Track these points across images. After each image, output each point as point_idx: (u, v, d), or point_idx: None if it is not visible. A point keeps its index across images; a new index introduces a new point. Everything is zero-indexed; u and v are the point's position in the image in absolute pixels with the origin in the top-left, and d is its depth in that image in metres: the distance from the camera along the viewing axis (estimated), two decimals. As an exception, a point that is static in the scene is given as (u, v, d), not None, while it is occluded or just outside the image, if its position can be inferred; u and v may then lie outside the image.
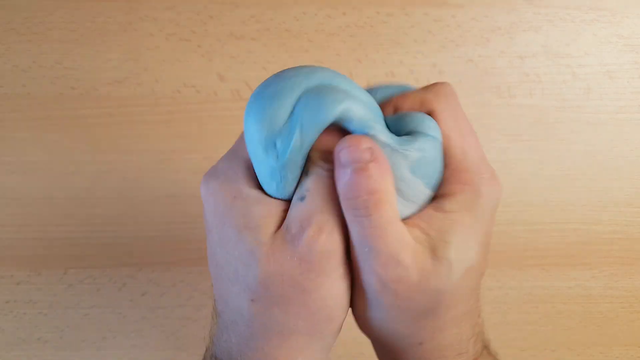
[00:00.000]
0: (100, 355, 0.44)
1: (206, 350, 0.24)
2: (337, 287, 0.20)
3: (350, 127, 0.20)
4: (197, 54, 0.43)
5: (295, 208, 0.19)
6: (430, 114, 0.21)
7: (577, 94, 0.45)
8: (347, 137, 0.19)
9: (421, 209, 0.21)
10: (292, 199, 0.20)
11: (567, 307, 0.47)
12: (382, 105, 0.22)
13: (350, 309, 0.23)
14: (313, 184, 0.20)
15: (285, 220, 0.20)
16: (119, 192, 0.43)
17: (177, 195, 0.44)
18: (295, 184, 0.20)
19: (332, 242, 0.19)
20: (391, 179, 0.19)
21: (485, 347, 0.24)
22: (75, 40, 0.43)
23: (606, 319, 0.47)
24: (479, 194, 0.20)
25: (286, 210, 0.20)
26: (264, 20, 0.44)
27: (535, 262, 0.46)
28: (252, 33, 0.44)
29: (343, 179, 0.19)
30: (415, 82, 0.44)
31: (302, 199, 0.19)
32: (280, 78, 0.21)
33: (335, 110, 0.19)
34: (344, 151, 0.19)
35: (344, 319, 0.22)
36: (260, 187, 0.21)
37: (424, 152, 0.20)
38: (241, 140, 0.22)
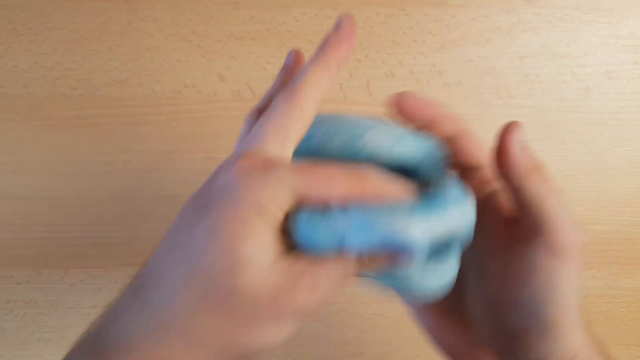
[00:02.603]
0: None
1: (92, 325, 0.22)
2: (282, 335, 0.20)
3: None
4: (198, 54, 0.43)
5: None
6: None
7: (577, 94, 0.45)
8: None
9: None
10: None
11: (566, 307, 0.47)
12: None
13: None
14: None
15: (293, 255, 0.20)
16: (119, 192, 0.43)
17: (177, 195, 0.44)
18: None
19: (314, 303, 0.20)
20: None
21: None
22: (76, 41, 0.43)
23: (606, 318, 0.47)
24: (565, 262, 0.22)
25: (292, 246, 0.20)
26: (264, 21, 0.44)
27: (535, 262, 0.46)
28: (253, 33, 0.44)
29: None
30: (415, 82, 0.44)
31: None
32: None
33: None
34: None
35: None
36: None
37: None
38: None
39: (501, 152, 0.23)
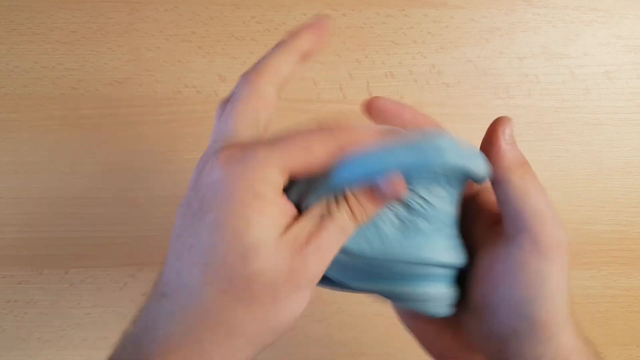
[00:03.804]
0: (101, 355, 0.44)
1: (123, 335, 0.22)
2: (303, 305, 0.21)
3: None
4: (198, 54, 0.44)
5: (310, 222, 0.21)
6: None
7: (576, 95, 0.45)
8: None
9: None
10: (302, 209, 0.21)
11: (566, 307, 0.47)
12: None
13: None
14: (337, 213, 0.21)
15: (294, 227, 0.20)
16: (119, 192, 0.43)
17: (177, 195, 0.44)
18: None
19: (324, 266, 0.21)
20: None
21: None
22: (77, 41, 0.43)
23: (605, 318, 0.47)
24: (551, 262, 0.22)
25: (295, 218, 0.21)
26: (264, 22, 0.44)
27: (534, 262, 0.46)
28: (253, 34, 0.44)
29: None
30: (415, 82, 0.44)
31: (321, 217, 0.21)
32: None
33: None
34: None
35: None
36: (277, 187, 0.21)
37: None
38: (286, 136, 0.21)
39: (490, 143, 0.23)
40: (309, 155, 0.20)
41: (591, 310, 0.47)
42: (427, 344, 0.27)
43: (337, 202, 0.21)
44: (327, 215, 0.21)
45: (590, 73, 0.45)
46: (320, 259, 0.20)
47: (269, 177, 0.20)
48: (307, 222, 0.21)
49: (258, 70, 0.23)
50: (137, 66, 0.43)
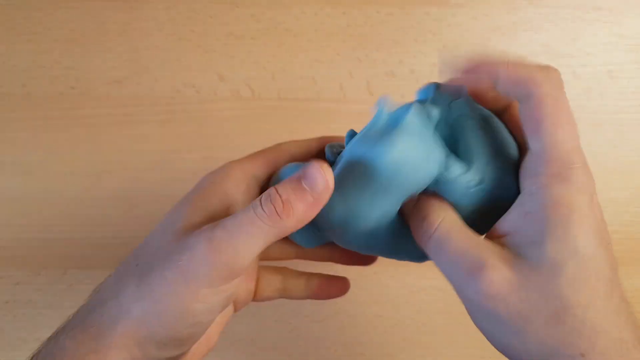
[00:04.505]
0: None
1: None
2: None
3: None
4: (197, 53, 0.43)
5: (241, 214, 0.22)
6: (528, 95, 0.21)
7: (578, 94, 0.45)
8: None
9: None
10: None
11: (567, 308, 0.46)
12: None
13: None
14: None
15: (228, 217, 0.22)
16: (119, 192, 0.43)
17: (177, 196, 0.43)
18: None
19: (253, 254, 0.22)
20: None
21: None
22: (75, 40, 0.43)
23: (607, 319, 0.47)
24: (570, 183, 0.20)
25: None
26: (263, 20, 0.44)
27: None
28: (252, 33, 0.44)
29: None
30: (416, 81, 0.44)
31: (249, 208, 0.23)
32: None
33: None
34: None
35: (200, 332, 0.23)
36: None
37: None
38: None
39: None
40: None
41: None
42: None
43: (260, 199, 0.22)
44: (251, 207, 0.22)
45: (592, 72, 0.45)
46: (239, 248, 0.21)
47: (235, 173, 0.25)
48: (239, 213, 0.22)
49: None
50: (136, 65, 0.43)
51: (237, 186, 0.25)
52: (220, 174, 0.26)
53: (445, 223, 0.21)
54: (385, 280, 0.43)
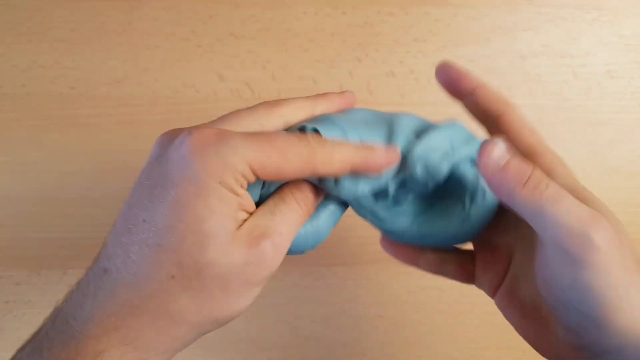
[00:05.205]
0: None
1: (54, 310, 0.22)
2: (251, 300, 0.21)
3: None
4: (197, 53, 0.43)
5: (263, 217, 0.21)
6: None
7: (578, 94, 0.45)
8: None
9: None
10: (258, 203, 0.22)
11: (567, 308, 0.46)
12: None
13: None
14: (286, 208, 0.22)
15: (248, 222, 0.21)
16: (118, 192, 0.43)
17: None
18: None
19: (278, 260, 0.21)
20: None
21: None
22: (75, 40, 0.43)
23: (607, 319, 0.47)
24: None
25: (249, 213, 0.21)
26: (264, 20, 0.44)
27: (535, 262, 0.46)
28: (252, 33, 0.43)
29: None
30: (416, 81, 0.44)
31: (272, 213, 0.21)
32: None
33: None
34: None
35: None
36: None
37: None
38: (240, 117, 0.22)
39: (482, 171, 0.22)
40: (282, 160, 0.20)
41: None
42: (523, 336, 0.26)
43: (282, 197, 0.22)
44: (277, 210, 0.21)
45: (592, 72, 0.45)
46: (275, 254, 0.21)
47: (238, 168, 0.19)
48: (260, 217, 0.21)
49: (279, 102, 0.23)
50: (136, 65, 0.43)
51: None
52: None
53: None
54: (385, 280, 0.43)
